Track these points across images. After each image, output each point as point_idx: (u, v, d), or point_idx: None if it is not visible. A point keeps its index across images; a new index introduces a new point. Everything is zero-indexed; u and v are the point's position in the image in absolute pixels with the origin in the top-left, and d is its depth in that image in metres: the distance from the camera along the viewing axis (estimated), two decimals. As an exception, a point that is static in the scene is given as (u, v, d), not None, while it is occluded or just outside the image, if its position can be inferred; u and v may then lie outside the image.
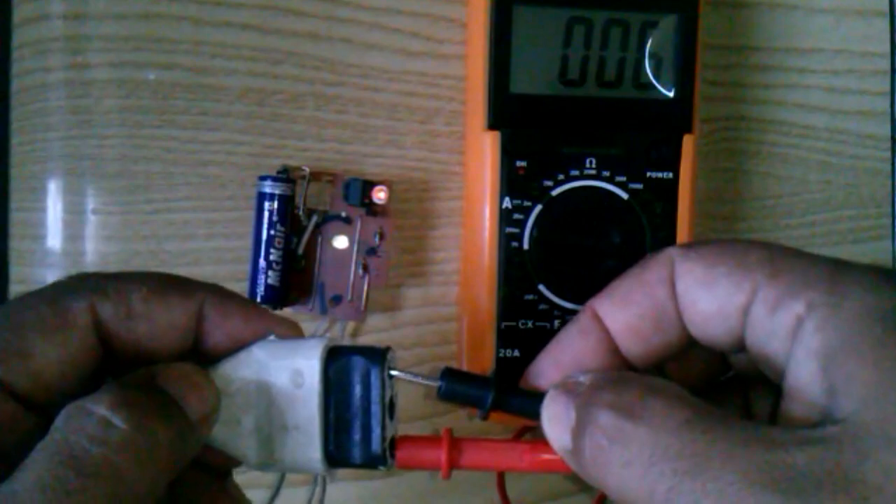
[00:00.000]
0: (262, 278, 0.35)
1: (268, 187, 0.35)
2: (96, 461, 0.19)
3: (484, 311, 0.34)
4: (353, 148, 0.38)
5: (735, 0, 0.40)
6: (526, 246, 0.34)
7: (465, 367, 0.36)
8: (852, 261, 0.21)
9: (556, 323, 0.34)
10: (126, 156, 0.36)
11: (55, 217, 0.37)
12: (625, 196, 0.35)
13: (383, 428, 0.23)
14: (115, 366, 0.22)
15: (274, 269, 0.35)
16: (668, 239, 0.35)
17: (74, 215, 0.37)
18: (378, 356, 0.23)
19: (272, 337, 0.23)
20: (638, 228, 0.35)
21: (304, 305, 0.36)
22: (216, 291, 0.23)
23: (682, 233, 0.35)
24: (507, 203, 0.34)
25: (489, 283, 0.34)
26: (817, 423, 0.19)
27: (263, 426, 0.23)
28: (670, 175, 0.35)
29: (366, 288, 0.36)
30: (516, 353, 0.34)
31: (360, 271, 0.36)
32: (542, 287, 0.34)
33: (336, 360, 0.23)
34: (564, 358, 0.24)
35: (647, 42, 0.35)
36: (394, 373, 0.23)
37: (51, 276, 0.37)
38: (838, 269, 0.21)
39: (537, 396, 0.23)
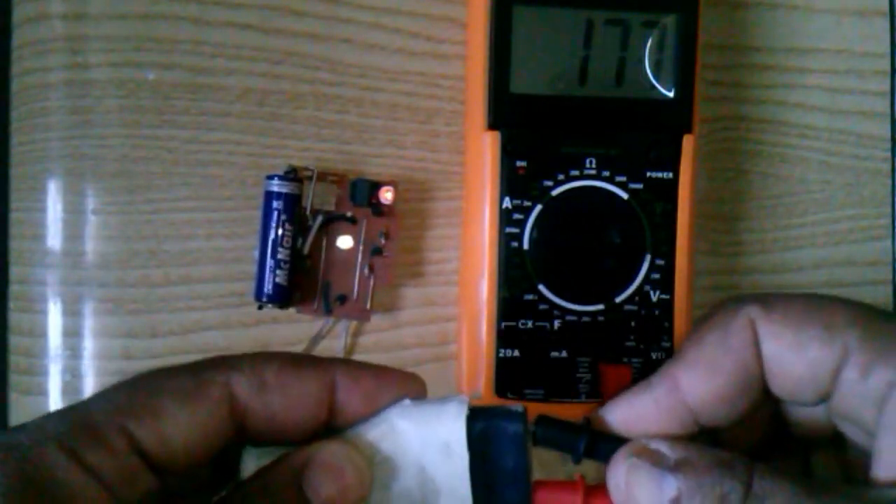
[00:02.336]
0: (270, 277, 0.35)
1: (276, 186, 0.35)
2: None
3: (484, 311, 0.34)
4: (353, 148, 0.38)
5: (735, 0, 0.40)
6: (526, 246, 0.34)
7: (464, 368, 0.36)
8: None
9: (557, 323, 0.34)
10: (126, 156, 0.37)
11: (55, 217, 0.37)
12: (625, 196, 0.35)
13: (528, 485, 0.24)
14: (252, 442, 0.23)
15: (282, 269, 0.35)
16: (668, 239, 0.35)
17: (74, 215, 0.37)
18: (520, 419, 0.23)
19: (407, 401, 0.24)
20: (638, 228, 0.35)
21: (308, 305, 0.36)
22: (347, 362, 0.24)
23: (682, 233, 0.35)
24: (507, 203, 0.34)
25: (489, 283, 0.34)
26: None
27: (414, 491, 0.23)
28: (670, 175, 0.35)
29: (371, 288, 0.36)
30: (516, 353, 0.34)
31: (367, 271, 0.36)
32: (542, 287, 0.34)
33: (478, 424, 0.23)
34: (633, 421, 0.25)
35: (647, 42, 0.35)
36: (534, 429, 0.24)
37: (51, 276, 0.37)
38: None
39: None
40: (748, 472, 0.21)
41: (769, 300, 0.24)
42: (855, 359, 0.22)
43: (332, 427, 0.24)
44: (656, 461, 0.23)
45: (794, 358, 0.23)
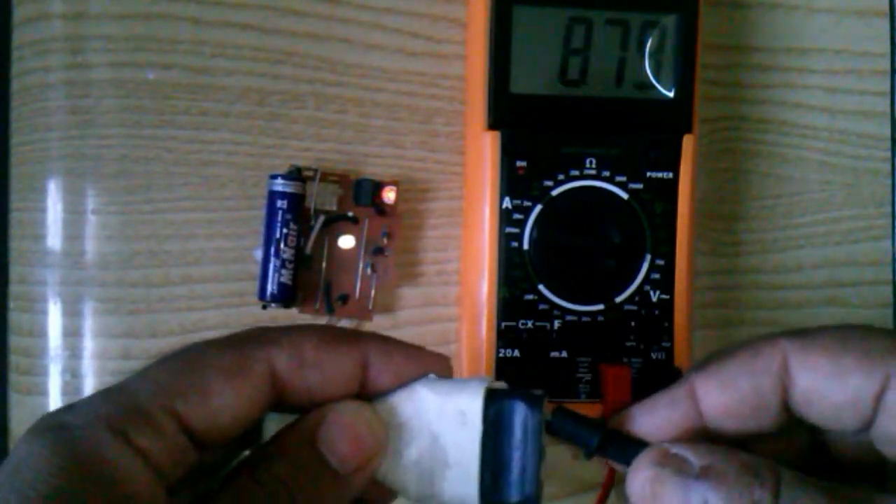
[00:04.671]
0: (274, 277, 0.35)
1: (280, 186, 0.35)
2: None
3: (484, 311, 0.34)
4: (353, 148, 0.38)
5: (735, 0, 0.40)
6: (526, 246, 0.34)
7: (464, 367, 0.36)
8: None
9: (557, 323, 0.34)
10: (126, 156, 0.37)
11: (55, 217, 0.37)
12: (625, 196, 0.35)
13: (538, 471, 0.23)
14: (283, 410, 0.23)
15: (287, 268, 0.35)
16: (669, 239, 0.35)
17: (74, 215, 0.37)
18: (537, 402, 0.24)
19: (432, 375, 0.24)
20: (638, 228, 0.35)
21: (310, 305, 0.36)
22: (379, 337, 0.24)
23: (682, 233, 0.35)
24: (507, 203, 0.34)
25: (489, 283, 0.34)
26: None
27: (425, 460, 0.24)
28: (670, 175, 0.35)
29: (373, 288, 0.36)
30: (516, 353, 0.34)
31: (369, 271, 0.36)
32: (542, 287, 0.34)
33: (496, 401, 0.24)
34: (647, 422, 0.25)
35: (647, 42, 0.35)
36: (549, 418, 0.24)
37: (51, 276, 0.37)
38: None
39: (643, 447, 0.24)
40: (775, 480, 0.21)
41: (804, 333, 0.24)
42: None
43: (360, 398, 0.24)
44: (681, 469, 0.23)
45: (835, 386, 0.23)
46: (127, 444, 0.20)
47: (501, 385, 0.25)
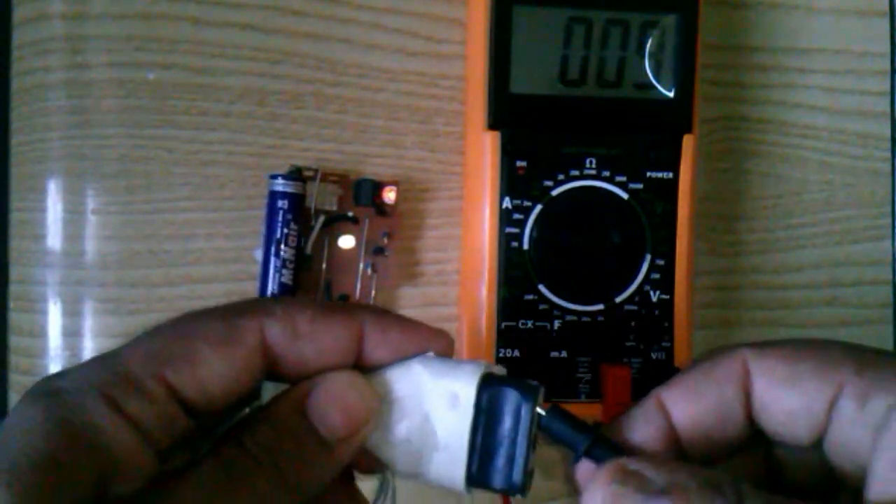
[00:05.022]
0: (275, 277, 0.35)
1: (280, 186, 0.35)
2: None
3: (484, 311, 0.34)
4: (353, 148, 0.38)
5: (735, 0, 0.40)
6: (526, 246, 0.34)
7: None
8: None
9: (556, 323, 0.34)
10: (126, 156, 0.37)
11: (55, 217, 0.37)
12: (625, 196, 0.35)
13: (526, 460, 0.23)
14: (278, 380, 0.23)
15: (287, 268, 0.35)
16: (668, 239, 0.35)
17: (74, 215, 0.37)
18: (532, 392, 0.24)
19: (431, 354, 0.24)
20: (638, 228, 0.35)
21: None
22: (376, 310, 0.24)
23: (682, 233, 0.35)
24: (507, 203, 0.34)
25: (489, 283, 0.34)
26: None
27: (414, 438, 0.24)
28: (670, 175, 0.35)
29: (374, 288, 0.36)
30: (516, 354, 0.34)
31: (369, 271, 0.36)
32: (542, 287, 0.34)
33: (491, 387, 0.24)
34: (624, 440, 0.25)
35: (647, 42, 0.35)
36: (543, 412, 0.24)
37: (51, 276, 0.37)
38: None
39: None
40: (738, 495, 0.21)
41: (764, 343, 0.24)
42: (851, 389, 0.22)
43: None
44: (641, 486, 0.22)
45: (789, 392, 0.23)
46: (117, 411, 0.20)
47: (500, 370, 0.25)
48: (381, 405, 0.23)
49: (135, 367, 0.21)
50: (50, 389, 0.20)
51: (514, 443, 0.23)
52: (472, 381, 0.23)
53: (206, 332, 0.22)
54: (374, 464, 0.24)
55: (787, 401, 0.23)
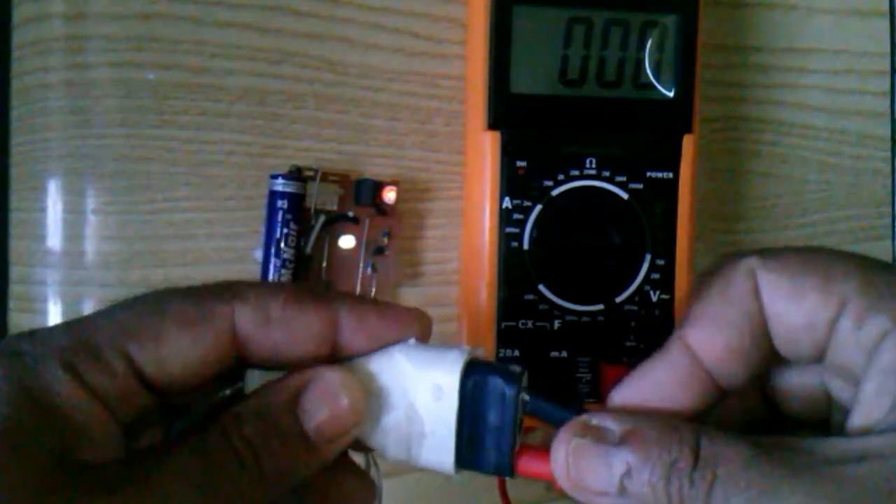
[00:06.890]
0: (275, 276, 0.35)
1: (280, 186, 0.35)
2: None
3: (484, 311, 0.34)
4: (353, 148, 0.38)
5: (735, 0, 0.40)
6: (526, 246, 0.34)
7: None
8: None
9: (556, 323, 0.34)
10: (126, 156, 0.36)
11: (55, 217, 0.37)
12: (625, 196, 0.35)
13: (513, 444, 0.24)
14: (254, 367, 0.23)
15: (287, 268, 0.35)
16: (668, 239, 0.35)
17: (74, 215, 0.37)
18: (515, 378, 0.24)
19: (412, 341, 0.24)
20: (638, 228, 0.35)
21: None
22: (352, 297, 0.24)
23: (682, 233, 0.35)
24: (507, 203, 0.34)
25: (489, 283, 0.34)
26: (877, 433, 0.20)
27: (402, 427, 0.24)
28: (670, 175, 0.35)
29: (374, 287, 0.36)
30: (516, 353, 0.34)
31: (369, 271, 0.36)
32: (542, 287, 0.34)
33: (474, 374, 0.24)
34: (651, 392, 0.24)
35: (647, 42, 0.35)
36: (527, 398, 0.24)
37: (51, 276, 0.37)
38: None
39: None
40: (695, 437, 0.21)
41: (768, 252, 0.23)
42: (851, 307, 0.21)
43: (335, 360, 0.24)
44: (601, 437, 0.22)
45: (792, 307, 0.22)
46: (75, 378, 0.20)
47: (481, 352, 0.25)
48: (368, 399, 0.23)
49: (99, 337, 0.21)
50: (14, 350, 0.20)
51: (500, 428, 0.24)
52: (454, 371, 0.23)
53: (175, 312, 0.22)
54: (360, 446, 0.24)
55: (791, 318, 0.22)
